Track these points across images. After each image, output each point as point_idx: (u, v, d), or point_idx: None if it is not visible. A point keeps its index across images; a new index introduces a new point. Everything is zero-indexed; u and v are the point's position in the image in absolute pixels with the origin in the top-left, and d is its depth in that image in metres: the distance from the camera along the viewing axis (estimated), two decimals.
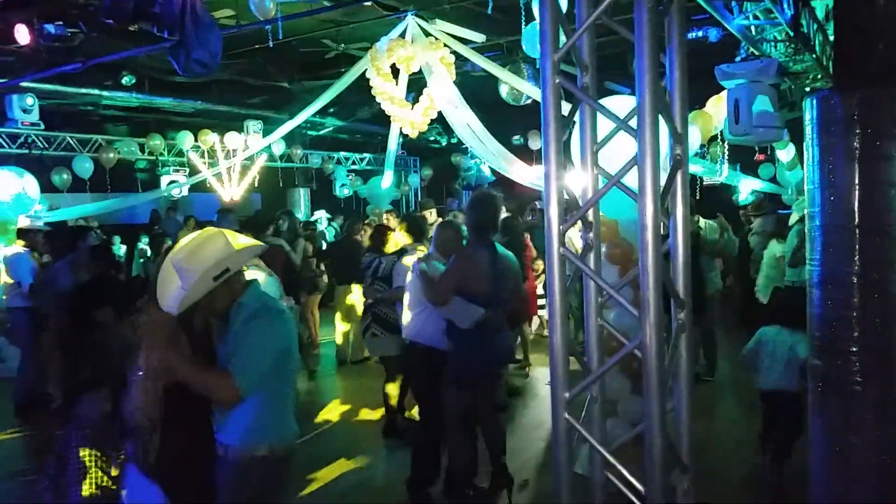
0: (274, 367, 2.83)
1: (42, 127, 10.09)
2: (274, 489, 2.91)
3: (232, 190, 12.92)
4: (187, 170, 12.65)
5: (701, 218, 7.87)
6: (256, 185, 13.52)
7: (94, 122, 12.22)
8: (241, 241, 2.84)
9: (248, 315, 2.80)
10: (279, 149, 13.14)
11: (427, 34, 8.32)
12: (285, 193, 15.20)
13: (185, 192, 12.28)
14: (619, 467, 1.78)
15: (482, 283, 4.19)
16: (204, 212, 12.46)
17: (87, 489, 3.47)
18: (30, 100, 9.61)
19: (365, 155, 16.40)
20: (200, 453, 2.86)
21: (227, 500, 2.86)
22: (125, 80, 10.46)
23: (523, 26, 6.68)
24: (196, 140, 12.37)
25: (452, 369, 4.37)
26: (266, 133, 12.00)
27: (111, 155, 11.70)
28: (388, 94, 8.38)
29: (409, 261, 5.21)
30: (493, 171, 12.49)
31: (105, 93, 10.52)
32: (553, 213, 1.86)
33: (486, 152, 8.77)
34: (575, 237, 5.01)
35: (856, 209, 3.62)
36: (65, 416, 3.74)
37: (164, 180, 12.24)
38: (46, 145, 11.23)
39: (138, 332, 2.81)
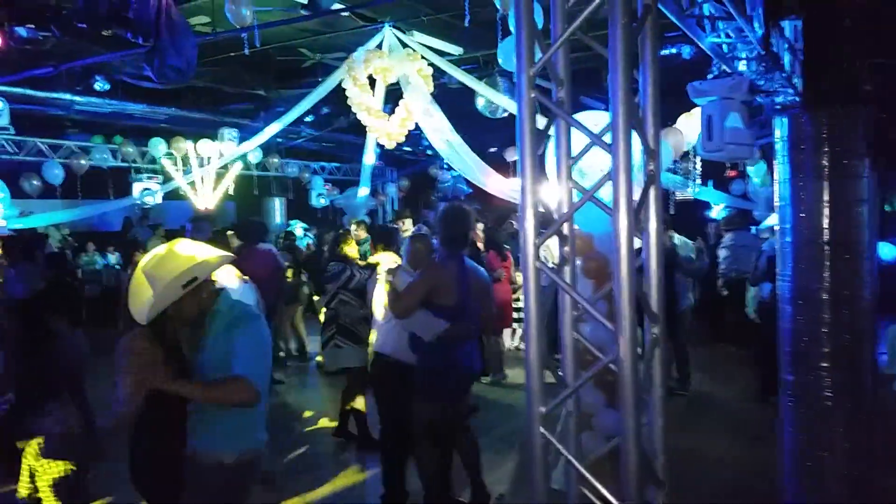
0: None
1: (12, 132, 9.91)
2: (239, 494, 2.99)
3: (206, 198, 12.80)
4: (160, 177, 12.50)
5: (675, 234, 7.96)
6: (231, 193, 13.40)
7: (66, 128, 12.04)
8: (210, 250, 2.89)
9: (230, 321, 2.86)
10: (255, 157, 13.05)
11: (404, 45, 8.34)
12: (260, 202, 15.09)
13: (158, 199, 12.12)
14: (595, 482, 1.78)
15: (449, 297, 4.20)
16: (177, 219, 12.33)
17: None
18: (0, 104, 9.44)
19: (341, 165, 16.36)
20: (172, 456, 2.90)
21: (194, 502, 2.91)
22: (98, 86, 10.34)
23: (499, 40, 6.72)
24: (169, 147, 12.24)
25: (418, 382, 4.36)
26: (241, 142, 11.91)
27: (83, 161, 11.53)
28: (365, 104, 8.37)
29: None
30: (470, 184, 12.52)
31: (77, 98, 10.38)
32: (528, 226, 1.87)
33: (462, 164, 8.80)
34: (554, 247, 5.05)
35: (825, 226, 3.69)
36: (27, 427, 3.70)
37: (137, 187, 12.08)
38: (17, 150, 11.03)
39: (127, 361, 2.82)
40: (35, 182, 11.03)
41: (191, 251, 2.81)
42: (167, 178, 12.42)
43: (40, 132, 11.40)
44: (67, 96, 10.11)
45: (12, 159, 10.96)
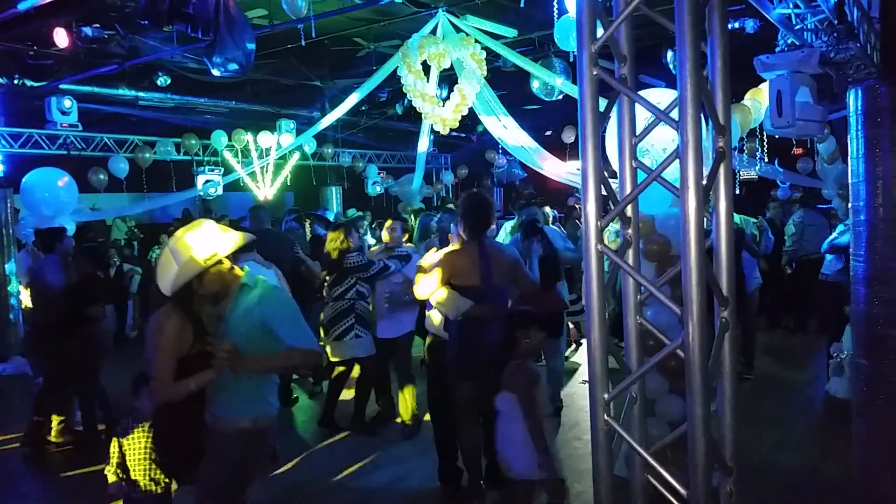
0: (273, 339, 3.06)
1: (80, 128, 10.25)
2: (255, 458, 3.25)
3: (265, 189, 13.03)
4: (222, 169, 12.78)
5: (736, 214, 7.72)
6: (289, 183, 13.61)
7: (131, 123, 12.40)
8: (231, 231, 3.15)
9: (258, 297, 3.05)
10: (311, 147, 13.21)
11: (458, 30, 8.28)
12: (318, 192, 15.28)
13: (219, 191, 12.39)
14: (661, 469, 1.73)
15: (470, 277, 4.39)
16: (239, 210, 12.59)
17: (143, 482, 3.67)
18: (68, 101, 9.77)
19: (396, 153, 16.42)
20: (193, 422, 3.11)
21: (213, 466, 3.12)
22: (160, 81, 10.61)
23: (555, 20, 6.60)
24: (230, 139, 12.49)
25: (448, 360, 4.58)
26: (299, 132, 12.07)
27: (147, 155, 11.87)
28: (420, 91, 8.35)
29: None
30: (525, 168, 12.40)
31: (141, 93, 10.67)
32: (591, 209, 1.82)
33: (517, 148, 8.71)
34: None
35: None
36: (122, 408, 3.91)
37: (200, 179, 12.37)
38: (84, 146, 11.42)
39: (160, 338, 3.03)
40: (102, 176, 11.40)
41: (212, 231, 3.04)
42: (228, 170, 12.68)
43: (106, 128, 11.77)
44: (132, 92, 10.40)
45: (81, 155, 11.34)
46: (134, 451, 3.76)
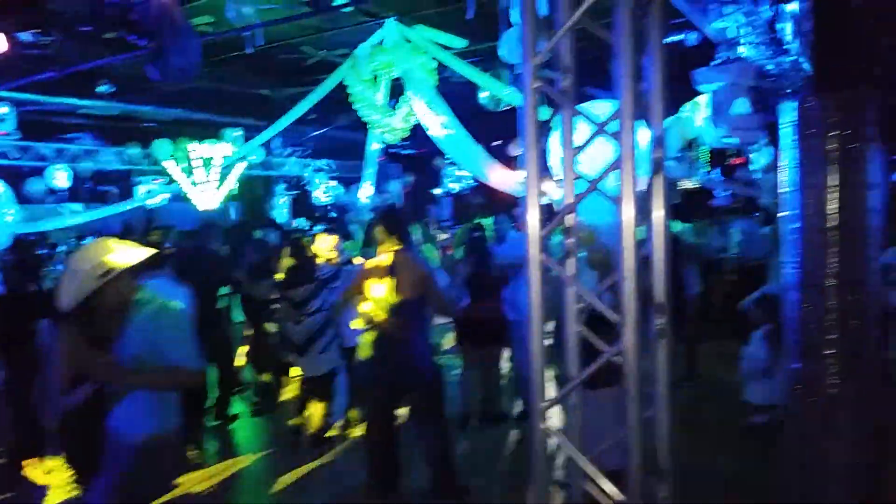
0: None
1: (17, 136, 9.94)
2: (152, 473, 3.20)
3: (210, 199, 12.80)
4: (165, 179, 12.51)
5: (677, 221, 7.92)
6: (235, 193, 13.40)
7: (72, 132, 12.06)
8: (130, 247, 3.21)
9: (152, 311, 3.12)
10: (258, 157, 13.05)
11: (407, 40, 8.31)
12: (265, 202, 15.09)
13: (162, 201, 12.13)
14: (599, 476, 1.75)
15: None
16: (183, 222, 12.33)
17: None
18: (5, 108, 9.45)
19: (345, 162, 16.35)
20: (91, 434, 3.20)
21: (108, 479, 3.16)
22: (102, 89, 10.35)
23: (501, 31, 6.68)
24: (174, 149, 12.25)
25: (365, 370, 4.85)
26: (245, 141, 11.91)
27: (87, 164, 11.56)
28: (368, 100, 8.35)
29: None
30: (473, 178, 12.49)
31: (81, 101, 10.40)
32: (532, 218, 1.84)
33: (465, 159, 8.76)
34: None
35: (833, 211, 3.64)
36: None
37: (142, 190, 12.10)
38: (22, 155, 11.07)
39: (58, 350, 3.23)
40: (40, 186, 11.05)
41: (109, 247, 3.12)
42: (172, 180, 12.43)
43: (46, 136, 11.43)
44: (72, 100, 10.13)
45: (17, 164, 10.98)
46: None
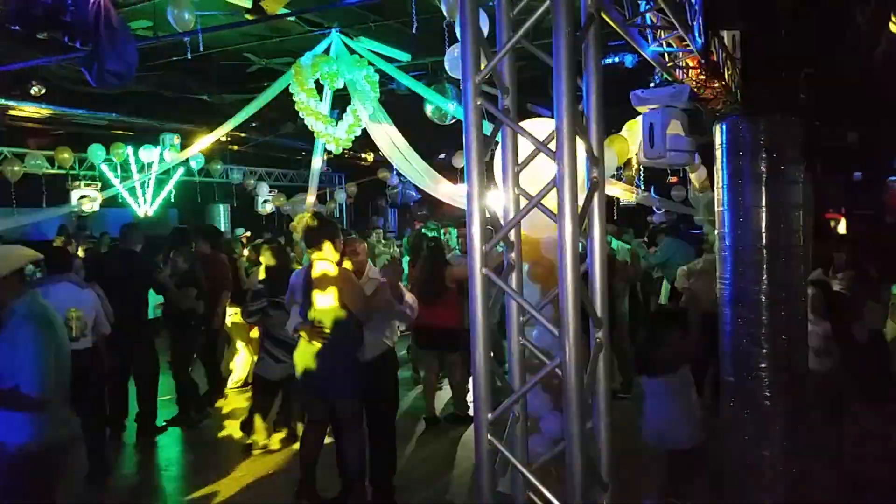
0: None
1: None
2: (30, 483, 3.22)
3: (146, 205, 12.48)
4: (99, 184, 12.14)
5: (614, 239, 8.13)
6: (173, 200, 13.10)
7: (0, 134, 11.60)
8: (13, 251, 3.33)
9: (19, 320, 3.14)
10: (196, 163, 12.79)
11: (351, 51, 8.31)
12: (204, 209, 14.79)
13: (96, 206, 11.75)
14: (540, 487, 1.79)
15: (298, 296, 4.77)
16: (117, 227, 11.97)
17: None
18: None
19: (288, 171, 16.17)
20: None
21: None
22: (34, 90, 10.00)
23: (447, 47, 6.74)
24: (109, 153, 11.91)
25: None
26: (184, 147, 11.66)
27: (16, 168, 11.12)
28: (312, 109, 8.30)
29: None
30: (419, 189, 12.53)
31: (11, 102, 10.01)
32: (475, 232, 1.87)
33: (410, 170, 8.79)
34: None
35: (763, 230, 3.80)
36: None
37: (75, 195, 11.69)
38: None
39: None
40: None
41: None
42: (106, 185, 12.07)
43: None
44: (1, 101, 9.75)
45: None
46: None
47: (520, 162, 2.11)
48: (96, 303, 5.31)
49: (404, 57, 9.82)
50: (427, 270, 6.84)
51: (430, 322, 6.35)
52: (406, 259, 9.20)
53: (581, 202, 1.80)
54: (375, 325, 4.71)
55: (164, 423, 6.76)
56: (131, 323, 6.13)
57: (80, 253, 9.54)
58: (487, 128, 2.15)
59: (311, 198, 10.73)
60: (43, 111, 10.39)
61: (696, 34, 3.69)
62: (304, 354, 4.65)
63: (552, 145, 1.79)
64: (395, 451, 4.99)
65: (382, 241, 12.90)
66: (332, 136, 8.49)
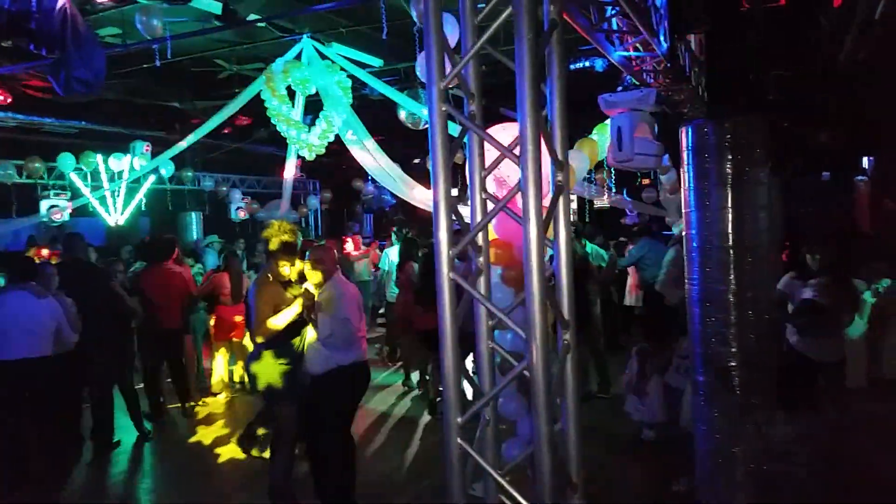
0: None
1: None
2: None
3: (116, 214, 12.33)
4: (69, 193, 11.96)
5: (588, 242, 8.21)
6: (143, 208, 12.95)
7: None
8: None
9: None
10: (168, 171, 12.66)
11: (324, 57, 8.29)
12: (175, 217, 14.63)
13: (66, 216, 11.57)
14: (511, 490, 1.80)
15: None
16: (88, 237, 11.80)
17: None
18: None
19: (261, 177, 16.06)
20: None
21: None
22: None
23: (418, 52, 6.76)
24: (78, 162, 11.74)
25: None
26: (156, 155, 11.55)
27: None
28: (284, 116, 8.27)
29: None
30: (394, 195, 12.52)
31: None
32: (442, 237, 1.88)
33: (384, 176, 8.79)
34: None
35: (730, 231, 3.86)
36: None
37: (44, 204, 11.50)
38: None
39: None
40: None
41: None
42: (76, 195, 11.90)
43: None
44: None
45: None
46: None
47: (486, 167, 2.12)
48: (55, 312, 5.19)
49: (376, 62, 9.83)
50: (424, 274, 7.09)
51: (427, 326, 6.44)
52: (391, 264, 9.25)
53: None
54: (327, 342, 4.56)
55: (117, 440, 6.54)
56: (96, 332, 6.01)
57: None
58: (455, 129, 2.17)
59: (284, 205, 10.69)
60: (9, 119, 10.24)
61: (662, 38, 3.74)
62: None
63: (518, 150, 1.81)
64: (344, 472, 4.75)
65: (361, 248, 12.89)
66: (305, 142, 8.46)
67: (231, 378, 8.30)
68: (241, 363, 7.86)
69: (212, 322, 7.97)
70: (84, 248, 6.83)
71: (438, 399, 6.95)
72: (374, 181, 12.28)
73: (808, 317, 4.87)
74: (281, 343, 4.66)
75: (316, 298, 4.63)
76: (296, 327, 4.69)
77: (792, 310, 5.06)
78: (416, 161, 13.86)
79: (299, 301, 4.63)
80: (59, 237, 12.09)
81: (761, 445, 3.86)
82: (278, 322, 4.57)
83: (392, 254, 9.29)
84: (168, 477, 5.98)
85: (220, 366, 8.00)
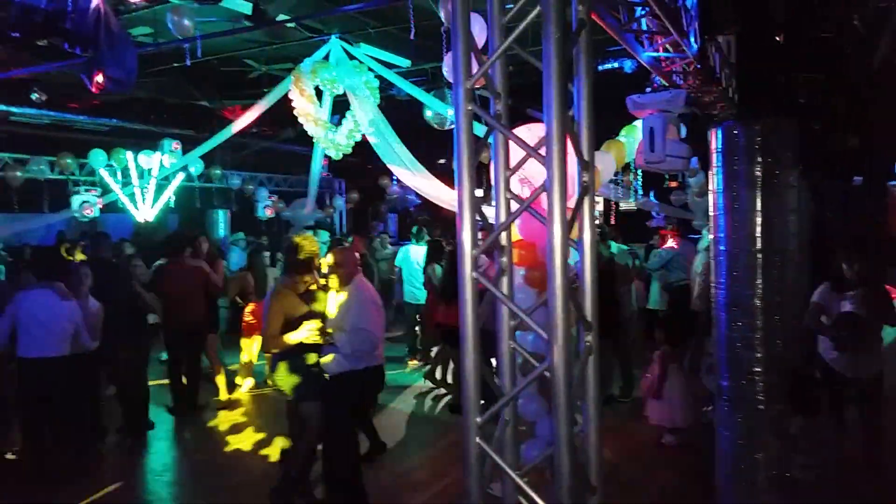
0: None
1: None
2: None
3: (146, 210, 12.49)
4: (100, 189, 12.15)
5: (613, 243, 8.15)
6: (173, 205, 13.12)
7: (2, 140, 11.64)
8: None
9: None
10: (197, 169, 12.81)
11: (351, 57, 8.34)
12: (203, 215, 14.79)
13: (96, 212, 11.75)
14: (529, 491, 1.79)
15: None
16: (117, 233, 12.00)
17: None
18: None
19: (287, 176, 16.18)
20: None
21: None
22: (34, 97, 10.05)
23: (444, 52, 6.76)
24: (109, 159, 11.93)
25: None
26: (185, 152, 11.69)
27: (18, 173, 11.14)
28: (312, 115, 8.32)
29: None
30: (419, 195, 12.54)
31: (14, 109, 10.07)
32: (466, 237, 1.88)
33: (409, 176, 8.81)
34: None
35: (758, 235, 3.81)
36: None
37: (76, 200, 11.70)
38: None
39: None
40: None
41: None
42: (106, 191, 12.08)
43: None
44: (3, 108, 9.80)
45: None
46: None
47: (511, 167, 2.12)
48: (74, 316, 5.28)
49: (404, 63, 9.86)
50: (449, 271, 7.34)
51: (448, 320, 6.76)
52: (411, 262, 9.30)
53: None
54: (347, 355, 4.61)
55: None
56: (116, 331, 6.08)
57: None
58: (481, 130, 2.16)
59: (309, 205, 10.75)
60: (43, 117, 10.44)
61: (692, 39, 3.70)
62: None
63: (544, 150, 1.80)
64: (350, 468, 4.84)
65: (388, 247, 12.96)
66: (331, 142, 8.51)
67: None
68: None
69: (248, 318, 8.00)
70: (109, 247, 6.97)
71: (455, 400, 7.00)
72: (399, 181, 12.31)
73: (847, 330, 4.70)
74: (294, 356, 4.72)
75: (336, 304, 4.68)
76: (311, 345, 4.73)
77: (829, 322, 4.86)
78: (442, 161, 13.85)
79: (315, 327, 4.65)
80: (88, 233, 12.31)
81: (784, 452, 3.80)
82: (291, 338, 4.64)
83: (413, 252, 9.28)
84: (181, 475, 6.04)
85: (248, 355, 8.04)
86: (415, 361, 9.19)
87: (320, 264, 5.29)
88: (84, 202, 11.37)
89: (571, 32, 1.93)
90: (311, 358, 4.75)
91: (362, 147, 9.03)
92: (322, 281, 5.08)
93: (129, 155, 11.97)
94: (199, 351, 7.52)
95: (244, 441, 6.47)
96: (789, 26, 4.16)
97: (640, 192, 9.62)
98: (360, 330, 4.53)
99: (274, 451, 6.04)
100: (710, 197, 4.13)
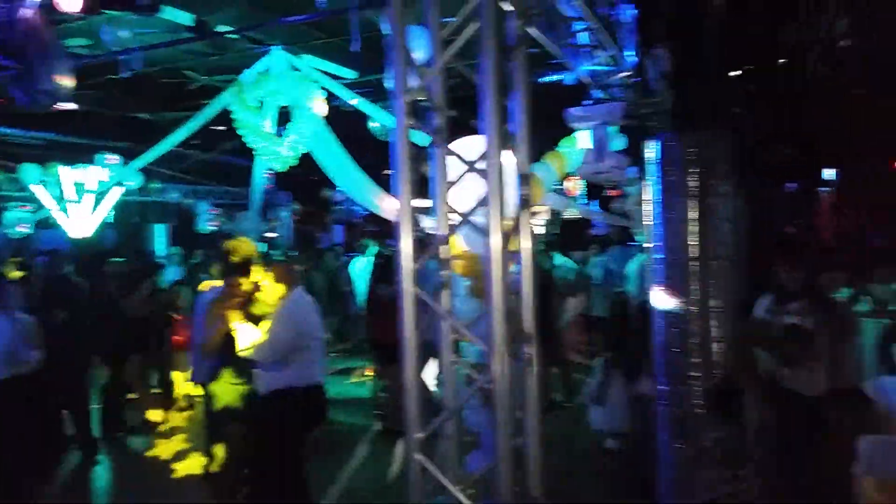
0: None
1: None
2: None
3: (82, 226, 12.08)
4: (33, 205, 11.72)
5: (557, 254, 8.25)
6: (111, 220, 12.74)
7: None
8: None
9: None
10: (135, 182, 12.47)
11: (295, 69, 8.26)
12: (142, 229, 14.41)
13: (30, 228, 11.34)
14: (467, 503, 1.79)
15: None
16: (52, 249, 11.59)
17: None
18: None
19: (230, 189, 15.89)
20: None
21: None
22: None
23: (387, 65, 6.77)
24: (43, 173, 11.52)
25: None
26: (123, 166, 11.38)
27: None
28: (254, 127, 8.21)
29: None
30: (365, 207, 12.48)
31: None
32: (405, 249, 1.88)
33: (354, 188, 8.76)
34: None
35: (693, 243, 3.90)
36: None
37: (9, 216, 11.26)
38: None
39: None
40: None
41: None
42: (40, 207, 11.66)
43: None
44: None
45: None
46: None
47: (451, 180, 2.13)
48: (10, 332, 5.12)
49: (350, 74, 9.80)
50: (377, 280, 7.07)
51: (377, 335, 6.66)
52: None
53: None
54: (265, 364, 4.43)
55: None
56: (65, 351, 5.89)
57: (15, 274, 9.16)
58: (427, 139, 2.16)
59: (253, 216, 10.60)
60: None
61: (629, 53, 3.79)
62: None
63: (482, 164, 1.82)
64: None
65: (341, 259, 12.86)
66: (275, 154, 8.41)
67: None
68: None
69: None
70: (63, 265, 6.84)
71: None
72: (343, 191, 12.24)
73: (793, 343, 4.47)
74: (240, 361, 4.48)
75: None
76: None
77: (774, 338, 4.60)
78: (387, 172, 13.82)
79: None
80: (21, 250, 11.87)
81: (719, 454, 3.89)
82: (246, 340, 4.41)
83: (362, 265, 9.23)
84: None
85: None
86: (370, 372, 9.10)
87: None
88: (17, 218, 10.98)
89: (509, 47, 1.96)
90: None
91: (307, 158, 8.94)
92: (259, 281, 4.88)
93: (64, 169, 11.59)
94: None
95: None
96: (724, 41, 4.29)
97: (585, 200, 9.77)
98: (286, 339, 4.34)
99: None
100: (646, 206, 4.22)
